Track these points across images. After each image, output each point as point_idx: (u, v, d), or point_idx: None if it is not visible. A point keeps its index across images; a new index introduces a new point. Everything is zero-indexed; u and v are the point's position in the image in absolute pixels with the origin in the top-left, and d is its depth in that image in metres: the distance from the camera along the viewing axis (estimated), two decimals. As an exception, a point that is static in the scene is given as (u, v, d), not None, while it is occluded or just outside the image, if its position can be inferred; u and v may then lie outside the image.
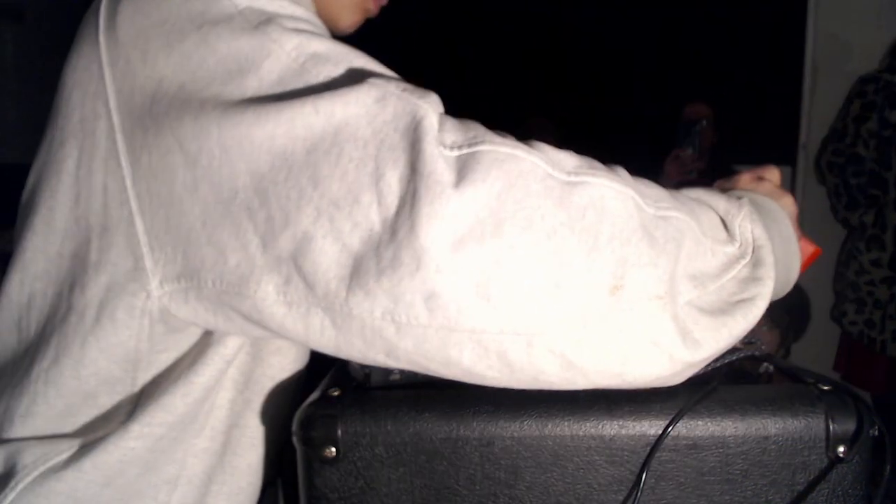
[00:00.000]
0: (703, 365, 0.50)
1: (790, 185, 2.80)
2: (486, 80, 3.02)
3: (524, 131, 0.49)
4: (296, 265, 0.45)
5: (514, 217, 0.44)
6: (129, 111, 0.50)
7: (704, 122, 2.27)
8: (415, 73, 0.52)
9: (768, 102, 2.85)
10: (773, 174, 0.64)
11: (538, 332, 0.45)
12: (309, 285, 0.45)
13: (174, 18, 0.49)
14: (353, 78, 0.48)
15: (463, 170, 0.44)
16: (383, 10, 0.71)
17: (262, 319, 0.48)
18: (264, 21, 0.49)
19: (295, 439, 0.51)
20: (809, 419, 0.50)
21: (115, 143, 0.50)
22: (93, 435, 0.54)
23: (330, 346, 0.48)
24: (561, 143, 0.50)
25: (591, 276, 0.44)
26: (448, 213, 0.43)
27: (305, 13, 0.52)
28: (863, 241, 2.30)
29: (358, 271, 0.44)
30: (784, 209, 0.59)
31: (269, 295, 0.46)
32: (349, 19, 0.68)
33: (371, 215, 0.44)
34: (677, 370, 0.48)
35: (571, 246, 0.44)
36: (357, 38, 0.69)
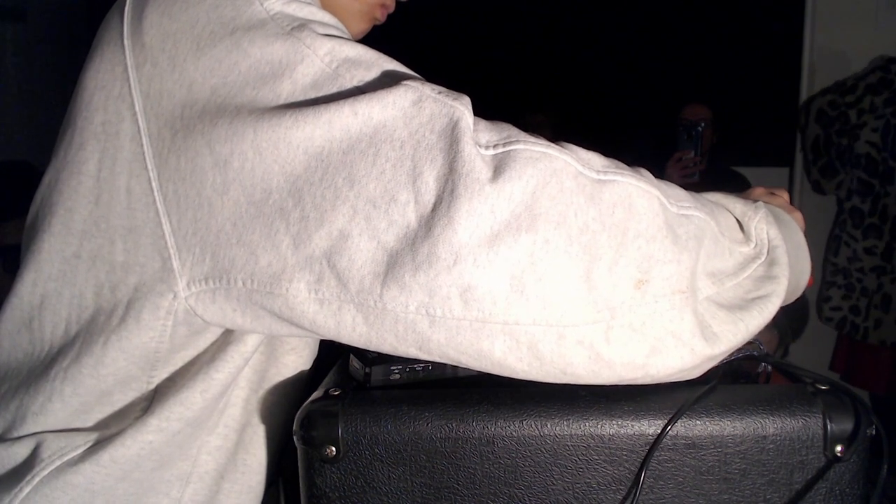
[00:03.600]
0: (720, 359, 0.51)
1: (787, 187, 2.80)
2: (485, 76, 3.02)
3: (522, 128, 0.50)
4: (329, 263, 0.46)
5: (548, 213, 0.45)
6: (157, 115, 0.50)
7: (704, 124, 2.27)
8: (415, 69, 0.52)
9: (766, 104, 2.86)
10: (783, 193, 0.67)
11: (569, 324, 0.46)
12: (342, 282, 0.46)
13: (203, 23, 0.50)
14: (387, 81, 0.49)
15: (499, 168, 0.46)
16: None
17: (294, 317, 0.49)
18: (297, 27, 0.50)
19: (296, 438, 0.52)
20: (807, 419, 0.51)
21: (140, 146, 0.50)
22: (107, 431, 0.54)
23: (361, 340, 0.49)
24: (557, 139, 0.51)
25: (618, 270, 0.46)
26: (486, 210, 0.44)
27: (333, 19, 0.53)
28: (860, 230, 2.32)
29: (393, 267, 0.45)
30: (796, 222, 0.61)
31: (300, 292, 0.47)
32: (357, 27, 0.69)
33: (408, 213, 0.45)
34: (697, 363, 0.49)
35: (601, 241, 0.46)
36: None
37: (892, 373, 2.30)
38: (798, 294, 0.59)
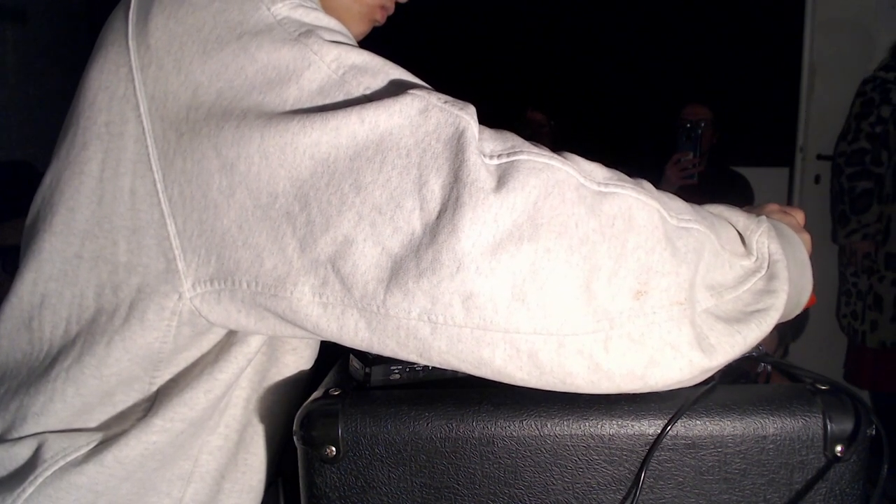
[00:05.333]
0: (717, 370, 0.51)
1: (787, 187, 2.81)
2: (484, 76, 3.01)
3: (521, 127, 0.50)
4: (334, 267, 0.47)
5: (550, 223, 0.46)
6: (162, 117, 0.50)
7: (703, 124, 2.27)
8: (412, 67, 0.52)
9: (766, 104, 2.86)
10: (798, 214, 0.67)
11: (569, 333, 0.46)
12: (346, 287, 0.47)
13: (210, 26, 0.50)
14: (393, 89, 0.49)
15: (503, 177, 0.46)
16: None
17: (297, 319, 0.49)
18: (304, 32, 0.50)
19: (296, 438, 0.52)
20: (807, 419, 0.51)
21: (145, 147, 0.50)
22: (109, 431, 0.54)
23: (364, 344, 0.49)
24: (556, 139, 0.51)
25: (617, 280, 0.46)
26: (489, 218, 0.45)
27: (339, 25, 0.53)
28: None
29: (397, 273, 0.46)
30: (803, 242, 0.61)
31: (304, 296, 0.47)
32: (357, 29, 0.69)
33: (413, 220, 0.46)
34: (695, 374, 0.49)
35: (601, 252, 0.46)
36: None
37: (879, 371, 2.31)
38: (798, 311, 0.59)
